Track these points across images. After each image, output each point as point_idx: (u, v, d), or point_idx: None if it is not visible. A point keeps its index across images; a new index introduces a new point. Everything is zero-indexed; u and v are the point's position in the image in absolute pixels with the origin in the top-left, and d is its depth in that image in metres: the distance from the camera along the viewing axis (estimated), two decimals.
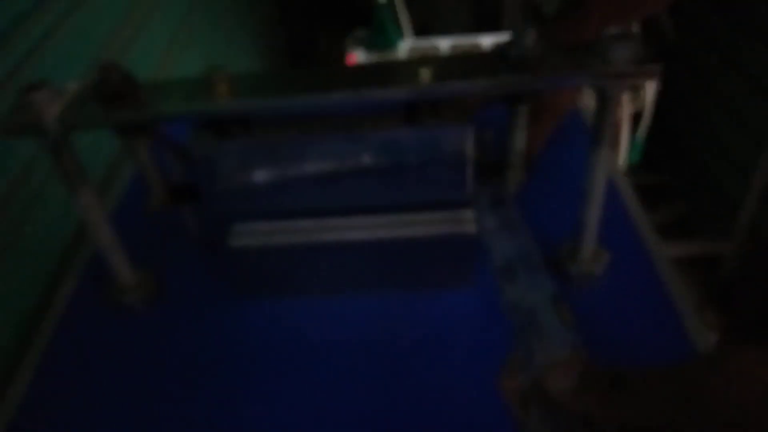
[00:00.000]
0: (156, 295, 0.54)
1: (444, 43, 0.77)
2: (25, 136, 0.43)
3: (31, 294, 0.59)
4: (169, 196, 0.48)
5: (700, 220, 1.72)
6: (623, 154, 1.02)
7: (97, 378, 0.49)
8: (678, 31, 1.32)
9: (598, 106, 0.42)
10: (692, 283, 1.55)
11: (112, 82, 0.42)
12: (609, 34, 0.39)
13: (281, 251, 0.48)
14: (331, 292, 0.52)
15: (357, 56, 0.76)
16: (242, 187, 0.45)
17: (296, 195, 0.46)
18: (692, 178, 1.76)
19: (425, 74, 0.40)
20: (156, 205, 0.47)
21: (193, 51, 1.19)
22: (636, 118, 1.26)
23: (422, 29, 1.02)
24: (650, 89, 1.25)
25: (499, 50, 0.41)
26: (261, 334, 0.50)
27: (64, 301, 0.56)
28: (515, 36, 0.39)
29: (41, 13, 0.66)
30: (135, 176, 0.69)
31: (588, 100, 0.81)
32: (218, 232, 0.48)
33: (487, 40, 0.77)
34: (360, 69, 0.43)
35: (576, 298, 0.51)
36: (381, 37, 0.75)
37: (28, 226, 0.60)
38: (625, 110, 0.89)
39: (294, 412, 0.45)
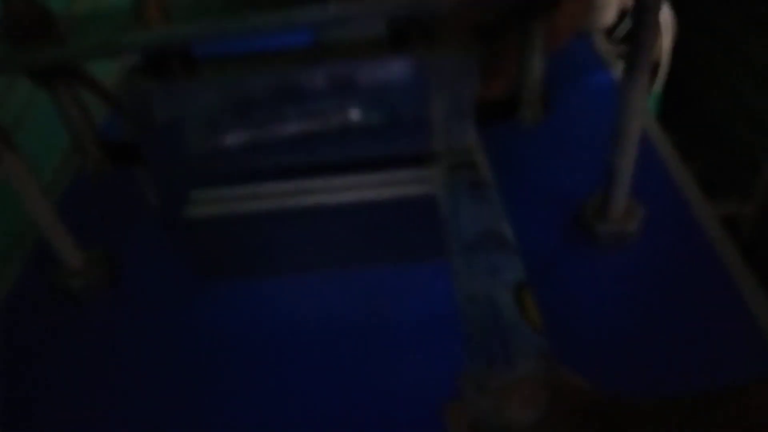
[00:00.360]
0: (108, 279, 0.45)
1: None
2: None
3: None
4: (108, 157, 0.39)
5: (718, 180, 1.63)
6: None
7: (36, 375, 0.41)
8: None
9: (635, 18, 0.33)
10: None
11: (22, 16, 0.33)
12: None
13: (247, 221, 0.39)
14: (305, 268, 0.44)
15: None
16: (188, 141, 0.37)
17: (260, 150, 0.37)
18: (710, 136, 1.67)
19: None
20: (91, 168, 0.38)
21: None
22: (652, 69, 1.16)
23: None
24: (667, 37, 1.14)
25: None
26: (226, 321, 0.42)
27: (8, 285, 0.48)
28: None
29: None
30: None
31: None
32: (170, 201, 0.40)
33: None
34: None
35: (605, 262, 0.43)
36: None
37: None
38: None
39: (264, 406, 0.37)
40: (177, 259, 0.44)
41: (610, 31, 0.84)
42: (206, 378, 0.39)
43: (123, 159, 0.39)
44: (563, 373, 0.23)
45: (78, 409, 0.39)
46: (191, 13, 0.32)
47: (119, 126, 0.38)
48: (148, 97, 0.35)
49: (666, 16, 1.11)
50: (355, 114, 0.36)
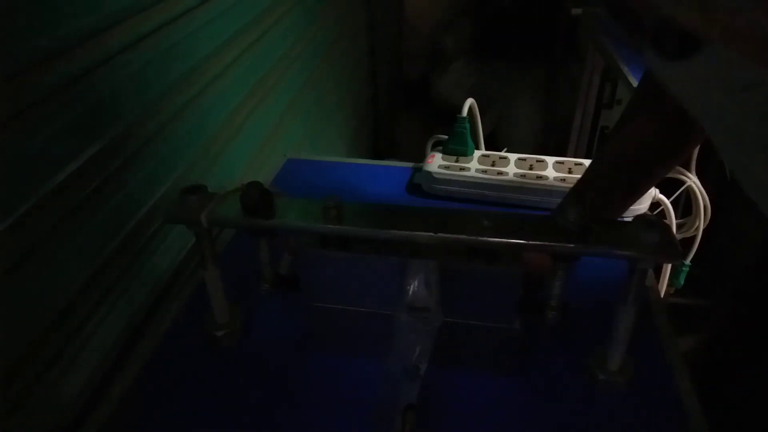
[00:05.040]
0: (240, 334, 0.62)
1: (512, 156, 0.87)
2: (180, 224, 0.54)
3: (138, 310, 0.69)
4: (276, 283, 0.57)
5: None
6: (666, 280, 1.04)
7: (179, 393, 0.57)
8: None
9: (629, 273, 0.49)
10: None
11: (253, 195, 0.52)
12: (642, 219, 0.46)
13: (349, 314, 0.56)
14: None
15: (435, 158, 0.87)
16: (330, 286, 0.55)
17: (370, 299, 0.55)
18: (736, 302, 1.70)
19: (487, 226, 0.48)
20: (265, 289, 0.57)
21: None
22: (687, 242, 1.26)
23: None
24: (702, 220, 1.25)
25: (551, 218, 0.48)
26: (313, 381, 0.57)
27: (169, 320, 0.65)
28: (562, 211, 0.47)
29: (172, 96, 0.75)
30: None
31: None
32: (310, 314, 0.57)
33: (550, 160, 0.86)
34: (438, 213, 0.52)
35: (600, 400, 0.55)
36: (458, 146, 0.85)
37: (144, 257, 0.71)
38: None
39: None
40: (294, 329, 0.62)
41: None
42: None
43: (287, 285, 0.57)
44: None
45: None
46: (354, 219, 0.51)
47: (288, 266, 0.56)
48: (313, 257, 0.54)
49: (700, 203, 1.23)
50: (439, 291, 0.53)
